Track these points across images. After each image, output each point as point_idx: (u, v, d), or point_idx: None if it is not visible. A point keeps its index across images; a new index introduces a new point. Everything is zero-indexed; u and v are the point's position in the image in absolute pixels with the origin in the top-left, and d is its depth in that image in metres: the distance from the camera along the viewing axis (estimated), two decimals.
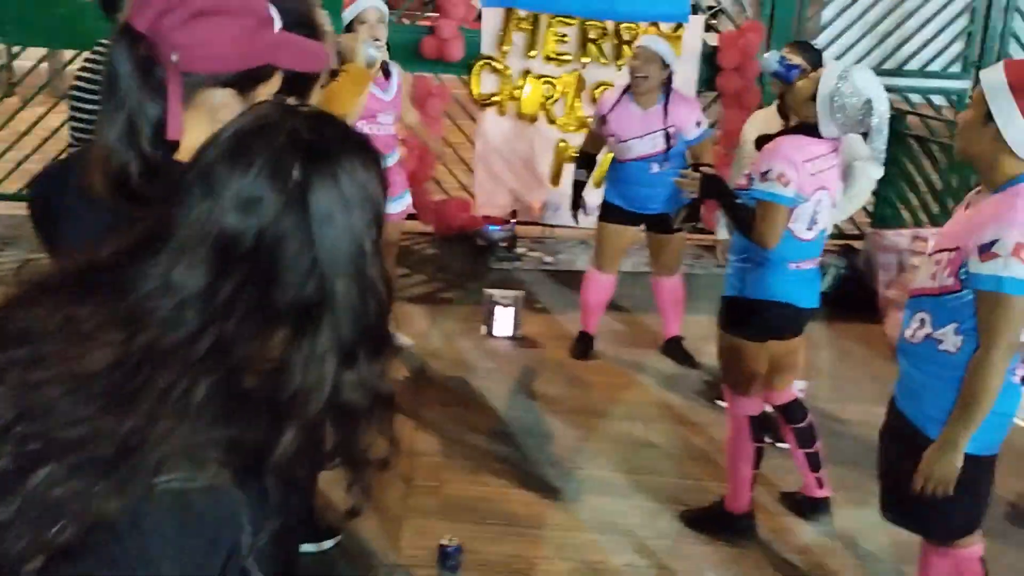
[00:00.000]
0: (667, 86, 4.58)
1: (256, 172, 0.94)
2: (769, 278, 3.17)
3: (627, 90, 4.64)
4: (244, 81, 1.41)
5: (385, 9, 4.42)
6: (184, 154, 1.40)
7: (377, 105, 4.31)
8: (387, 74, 4.38)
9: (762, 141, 3.23)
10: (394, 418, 1.05)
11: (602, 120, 4.70)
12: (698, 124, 4.60)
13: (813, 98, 3.00)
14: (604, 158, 5.24)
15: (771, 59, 3.31)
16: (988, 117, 2.26)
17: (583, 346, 4.98)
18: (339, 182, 0.95)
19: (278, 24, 1.46)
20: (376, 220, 1.00)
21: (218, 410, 0.91)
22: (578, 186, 4.93)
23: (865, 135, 3.04)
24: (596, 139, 4.89)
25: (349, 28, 4.25)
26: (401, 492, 3.52)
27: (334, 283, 0.95)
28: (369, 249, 0.98)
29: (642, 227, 4.81)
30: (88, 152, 1.41)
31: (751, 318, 3.25)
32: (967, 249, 2.24)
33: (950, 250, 2.31)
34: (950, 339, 2.32)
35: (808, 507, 3.53)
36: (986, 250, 2.19)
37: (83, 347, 0.90)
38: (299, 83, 1.78)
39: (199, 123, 1.39)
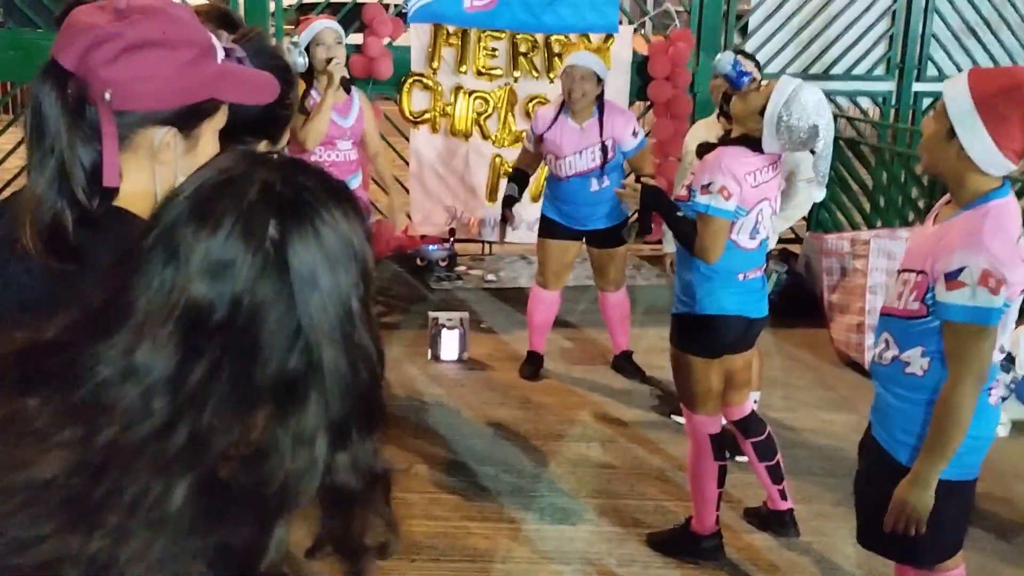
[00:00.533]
0: (600, 99, 4.54)
1: (226, 232, 0.81)
2: (718, 291, 3.12)
3: (562, 107, 4.57)
4: (186, 118, 1.28)
5: (341, 30, 4.32)
6: (124, 200, 1.26)
7: (336, 131, 4.19)
8: (347, 90, 4.28)
9: (704, 149, 3.18)
10: (389, 499, 0.93)
11: (539, 139, 4.62)
12: (634, 134, 4.56)
13: (761, 112, 2.96)
14: (539, 172, 5.18)
15: (725, 61, 3.19)
16: (951, 133, 2.18)
17: (533, 366, 4.88)
18: (321, 237, 0.83)
19: (220, 54, 1.33)
20: (363, 276, 0.88)
21: (198, 515, 0.78)
22: (508, 200, 4.80)
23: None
24: (530, 157, 4.79)
25: (306, 51, 4.13)
26: (402, 540, 3.36)
27: (321, 352, 0.82)
28: (358, 310, 0.86)
29: (583, 241, 4.73)
30: (15, 202, 1.25)
31: (704, 334, 3.18)
32: (933, 274, 2.18)
33: (917, 272, 2.24)
34: (917, 362, 2.26)
35: (774, 521, 3.48)
36: (953, 278, 2.12)
37: (34, 449, 0.77)
38: (267, 124, 1.65)
39: (139, 166, 1.26)
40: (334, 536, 0.87)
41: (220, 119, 1.34)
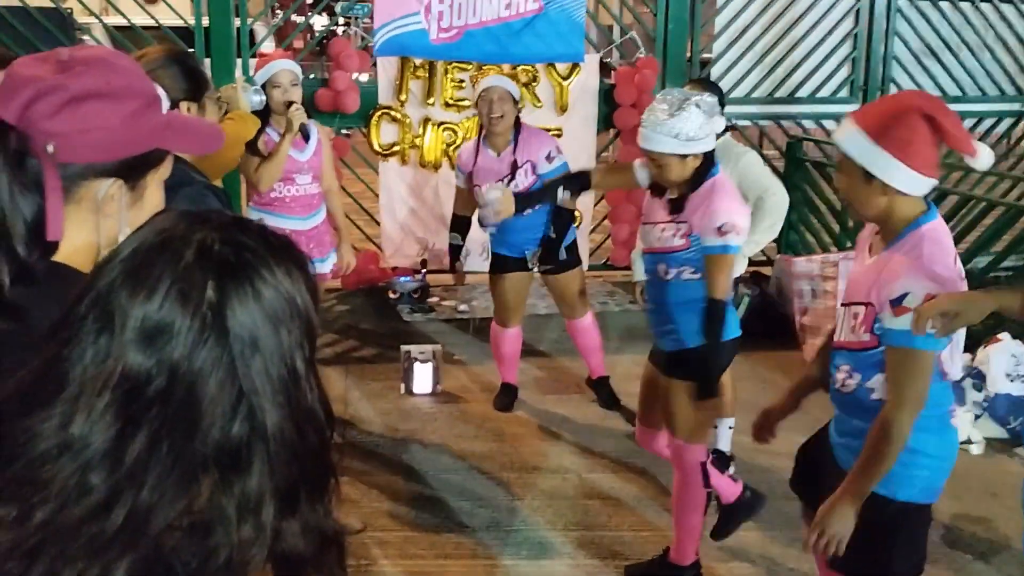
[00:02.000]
0: (517, 124, 4.45)
1: (162, 296, 0.78)
2: (729, 319, 3.14)
3: (480, 139, 4.50)
4: (131, 169, 1.25)
5: (298, 70, 4.27)
6: (66, 255, 1.23)
7: (293, 166, 4.14)
8: (306, 136, 4.21)
9: (675, 199, 3.07)
10: (343, 561, 0.90)
11: (468, 177, 4.54)
12: (549, 158, 4.39)
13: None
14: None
15: None
16: (867, 176, 2.19)
17: (507, 398, 4.84)
18: (261, 298, 0.81)
19: (166, 104, 1.30)
20: (308, 335, 0.86)
21: None
22: (454, 250, 4.72)
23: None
24: (466, 198, 4.64)
25: (263, 89, 4.07)
26: None
27: (264, 417, 0.80)
28: (303, 370, 0.84)
29: (534, 270, 4.64)
30: None
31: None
32: (879, 304, 2.19)
33: (864, 304, 2.26)
34: (881, 387, 2.26)
35: (739, 510, 3.49)
36: (897, 304, 2.13)
37: None
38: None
39: (82, 219, 1.22)
40: None
41: (165, 170, 1.31)
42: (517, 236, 4.51)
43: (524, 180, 4.38)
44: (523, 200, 3.58)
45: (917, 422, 2.20)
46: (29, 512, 0.74)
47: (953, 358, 2.28)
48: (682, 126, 2.87)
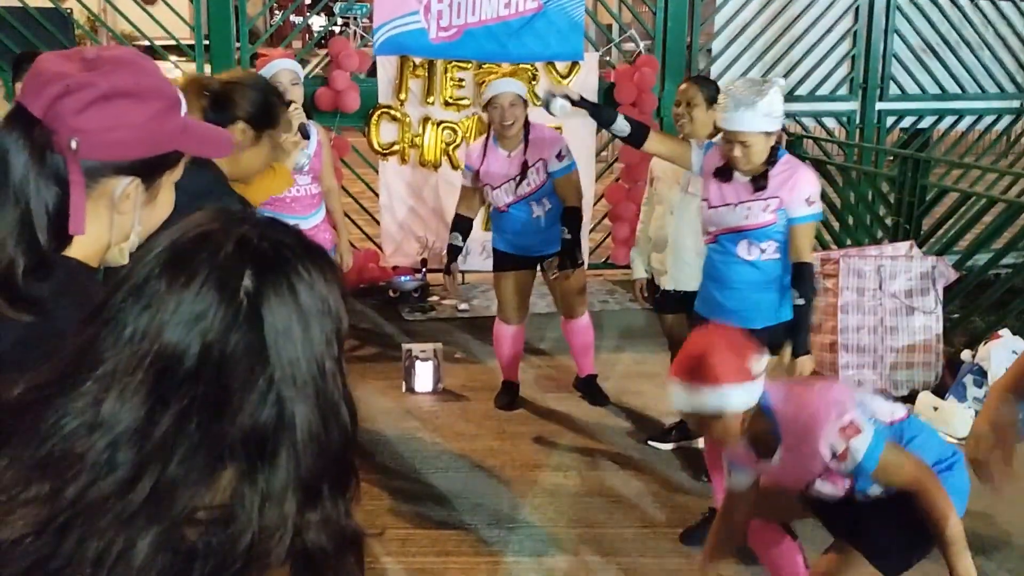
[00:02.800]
0: (526, 124, 4.44)
1: (200, 283, 0.80)
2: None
3: (489, 138, 4.49)
4: (150, 169, 1.28)
5: (299, 70, 4.29)
6: (77, 250, 1.24)
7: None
8: (306, 136, 4.18)
9: (759, 176, 3.21)
10: (362, 560, 0.91)
11: (476, 175, 4.52)
12: (559, 156, 4.39)
13: None
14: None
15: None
16: (718, 413, 2.32)
17: (508, 396, 4.83)
18: (296, 293, 0.83)
19: (184, 108, 1.33)
20: (337, 336, 0.88)
21: (162, 573, 0.75)
22: (453, 251, 4.61)
23: None
24: (471, 197, 4.64)
25: None
26: None
27: (293, 407, 0.81)
28: (331, 369, 0.85)
29: (537, 269, 4.64)
30: None
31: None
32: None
33: None
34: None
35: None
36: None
37: (1, 510, 0.75)
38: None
39: (97, 215, 1.24)
40: None
41: (179, 171, 1.34)
42: (528, 239, 4.51)
43: (536, 178, 4.39)
44: (585, 104, 3.57)
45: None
46: (61, 488, 0.75)
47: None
48: (769, 104, 3.07)
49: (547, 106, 3.52)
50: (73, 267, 1.24)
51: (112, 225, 1.26)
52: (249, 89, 2.31)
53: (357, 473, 0.90)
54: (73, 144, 1.18)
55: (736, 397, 2.28)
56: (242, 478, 0.79)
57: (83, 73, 1.20)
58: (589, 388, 4.87)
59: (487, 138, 4.50)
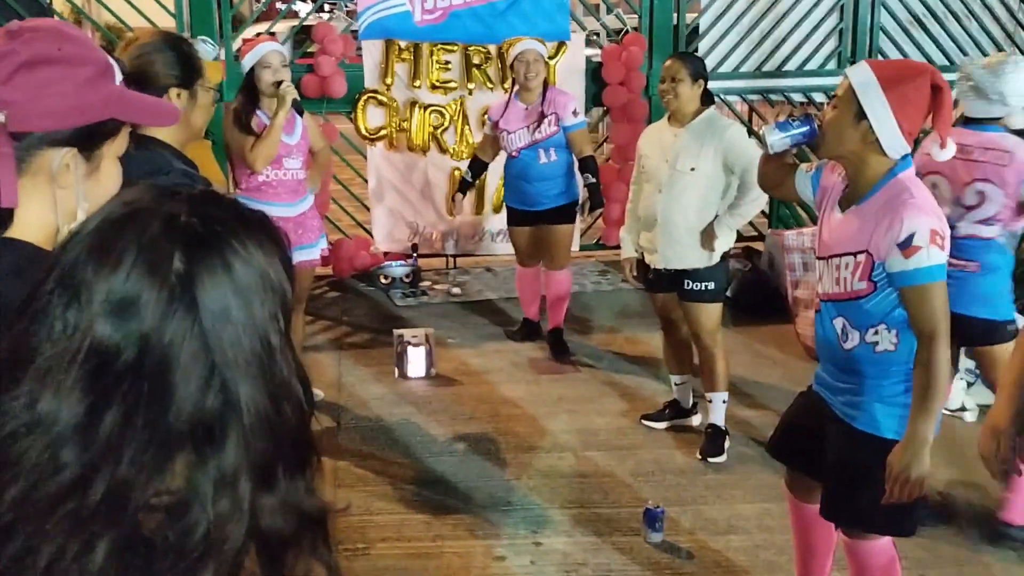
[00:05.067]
0: (545, 83, 5.00)
1: (128, 268, 0.77)
2: None
3: (512, 94, 5.04)
4: (86, 138, 1.23)
5: (286, 52, 4.32)
6: (21, 230, 1.21)
7: (282, 149, 4.14)
8: (300, 111, 4.25)
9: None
10: (328, 540, 0.89)
11: (495, 125, 5.03)
12: (575, 113, 4.92)
13: None
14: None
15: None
16: (859, 116, 2.27)
17: (526, 330, 5.41)
18: (232, 270, 0.80)
19: (118, 76, 1.29)
20: (283, 309, 0.84)
21: (122, 573, 0.74)
22: (463, 184, 5.27)
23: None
24: (490, 144, 5.18)
25: (250, 74, 4.14)
26: None
27: (238, 389, 0.78)
28: (277, 344, 0.82)
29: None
30: None
31: None
32: (880, 251, 2.26)
33: (853, 254, 2.32)
34: (886, 338, 2.33)
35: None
36: (907, 246, 2.21)
37: None
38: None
39: (38, 192, 1.21)
40: None
41: (121, 143, 1.30)
42: (532, 188, 4.98)
43: (548, 128, 4.89)
44: None
45: (899, 375, 2.32)
46: (2, 491, 0.73)
47: None
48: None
49: None
50: (27, 250, 1.20)
51: (55, 203, 1.22)
52: (159, 53, 2.21)
53: (318, 450, 0.88)
54: (1, 117, 1.14)
55: (888, 134, 2.25)
56: (193, 466, 0.77)
57: (3, 43, 1.16)
58: (557, 340, 5.22)
59: (510, 94, 5.08)
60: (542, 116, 4.87)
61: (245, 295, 0.80)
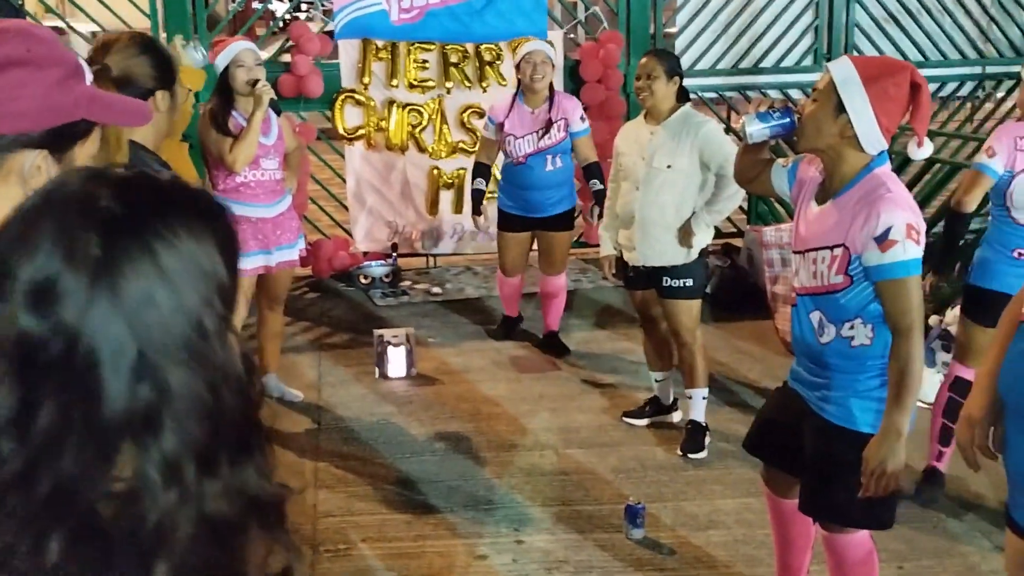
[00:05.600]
0: (551, 86, 4.91)
1: (45, 255, 0.75)
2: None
3: (516, 95, 4.91)
4: (57, 140, 1.22)
5: (259, 51, 4.29)
6: None
7: (260, 150, 4.11)
8: (277, 111, 4.27)
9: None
10: (284, 522, 0.88)
11: (499, 127, 4.90)
12: (582, 119, 4.90)
13: None
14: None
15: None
16: (839, 110, 2.29)
17: (505, 328, 5.41)
18: (155, 255, 0.77)
19: (89, 77, 1.28)
20: (220, 294, 0.82)
21: (82, 566, 0.73)
22: (477, 195, 5.08)
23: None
24: (491, 147, 5.05)
25: (224, 72, 4.12)
26: (307, 561, 3.30)
27: (167, 376, 0.76)
28: (212, 328, 0.80)
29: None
30: None
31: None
32: (857, 245, 2.27)
33: (830, 248, 2.33)
34: (861, 332, 2.35)
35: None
36: (884, 240, 2.23)
37: None
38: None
39: (8, 193, 1.18)
40: (220, 569, 0.81)
41: (92, 144, 1.28)
42: (534, 194, 4.92)
43: (557, 134, 4.83)
44: None
45: (874, 369, 2.34)
46: None
47: None
48: None
49: None
50: None
51: None
52: (139, 58, 2.22)
53: (266, 432, 0.86)
54: None
55: (866, 129, 2.26)
56: (137, 456, 0.76)
57: None
58: (555, 342, 5.22)
59: (515, 95, 4.93)
60: (550, 122, 4.81)
61: (172, 280, 0.77)
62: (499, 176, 5.31)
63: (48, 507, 0.72)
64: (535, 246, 5.19)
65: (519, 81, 4.91)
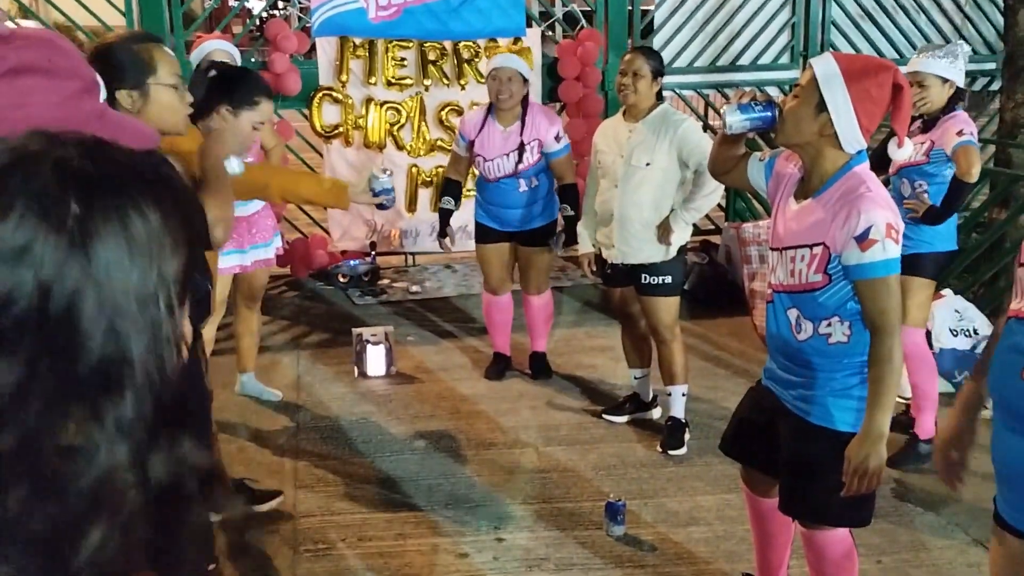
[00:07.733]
0: (525, 101, 4.51)
1: (19, 215, 0.74)
2: None
3: (489, 110, 4.54)
4: None
5: (235, 51, 4.24)
6: None
7: None
8: None
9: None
10: (223, 493, 0.89)
11: (469, 145, 4.58)
12: (557, 138, 4.50)
13: None
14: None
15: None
16: (820, 107, 2.28)
17: (498, 367, 4.90)
18: (127, 220, 0.77)
19: (103, 93, 1.28)
20: (177, 277, 0.82)
21: (40, 519, 0.73)
22: (444, 214, 4.73)
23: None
24: (461, 163, 4.74)
25: (197, 69, 4.04)
26: (287, 561, 3.28)
27: (130, 343, 0.76)
28: (167, 305, 0.80)
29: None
30: None
31: None
32: (837, 244, 2.27)
33: (809, 246, 2.33)
34: (839, 330, 2.35)
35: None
36: (864, 239, 2.23)
37: None
38: None
39: None
40: (155, 543, 0.81)
41: None
42: (510, 212, 4.59)
43: (531, 157, 4.47)
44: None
45: (852, 367, 2.35)
46: None
47: None
48: None
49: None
50: None
51: None
52: (94, 63, 2.22)
53: (208, 415, 0.87)
54: None
55: (845, 128, 2.26)
56: (93, 415, 0.76)
57: None
58: (541, 364, 4.91)
59: (487, 111, 4.56)
60: (522, 146, 4.44)
61: (137, 250, 0.77)
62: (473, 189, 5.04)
63: (13, 461, 0.72)
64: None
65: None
